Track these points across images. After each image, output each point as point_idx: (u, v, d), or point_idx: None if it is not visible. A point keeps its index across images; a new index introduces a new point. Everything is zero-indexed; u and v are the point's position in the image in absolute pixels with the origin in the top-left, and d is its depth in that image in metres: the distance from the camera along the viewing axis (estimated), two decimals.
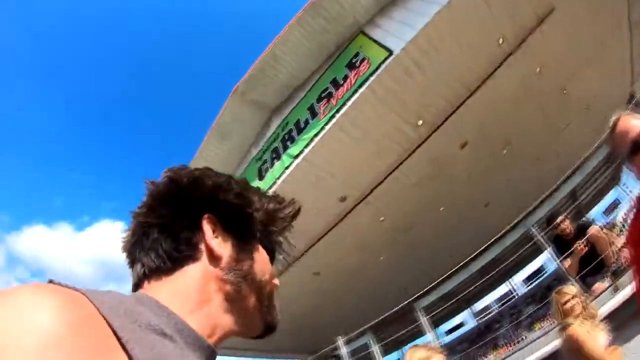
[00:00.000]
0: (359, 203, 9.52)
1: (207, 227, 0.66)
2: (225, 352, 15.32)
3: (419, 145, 8.83)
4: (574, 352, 3.07)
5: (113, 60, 75.07)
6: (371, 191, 9.36)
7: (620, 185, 19.20)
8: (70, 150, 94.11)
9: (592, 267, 4.75)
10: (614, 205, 22.23)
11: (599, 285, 4.64)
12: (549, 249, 13.76)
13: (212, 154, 8.95)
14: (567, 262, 5.11)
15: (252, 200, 0.72)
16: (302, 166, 8.16)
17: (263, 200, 0.75)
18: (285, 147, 8.45)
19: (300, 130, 8.31)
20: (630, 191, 18.04)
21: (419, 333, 21.87)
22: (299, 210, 0.81)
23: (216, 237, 0.66)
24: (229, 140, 9.01)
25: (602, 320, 3.34)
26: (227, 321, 0.64)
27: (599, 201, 20.36)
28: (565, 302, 3.33)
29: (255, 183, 8.61)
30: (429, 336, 9.13)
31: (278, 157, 8.53)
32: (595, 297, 4.24)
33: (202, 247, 0.65)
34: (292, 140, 8.39)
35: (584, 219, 6.64)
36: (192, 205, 0.67)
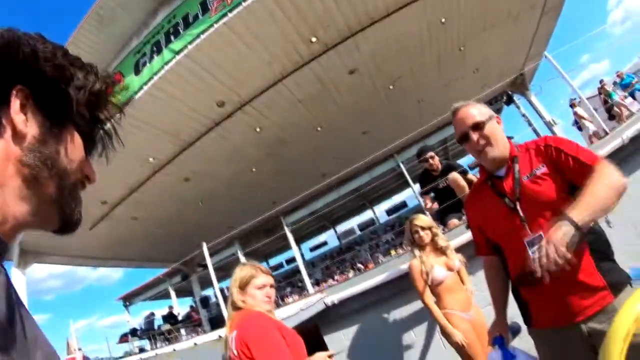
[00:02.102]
0: (237, 110, 9.17)
1: (15, 100, 0.57)
2: (89, 262, 14.84)
3: (308, 62, 8.57)
4: (411, 279, 3.49)
5: None
6: (252, 99, 9.02)
7: None
8: None
9: (449, 205, 5.19)
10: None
11: (453, 222, 5.10)
12: (413, 186, 15.09)
13: (87, 42, 7.71)
14: (428, 198, 5.51)
15: (73, 76, 0.64)
16: (183, 63, 7.48)
17: (89, 79, 0.66)
18: (169, 41, 7.62)
19: (187, 25, 7.49)
20: None
21: (285, 247, 23.25)
22: (129, 100, 0.66)
23: (24, 112, 0.58)
24: (109, 27, 7.79)
25: (454, 251, 3.70)
26: (21, 210, 0.57)
27: (465, 155, 22.57)
28: (415, 232, 3.59)
29: (131, 78, 7.87)
30: (294, 250, 9.53)
31: (159, 52, 7.69)
32: (449, 231, 4.67)
33: (7, 123, 0.57)
34: (177, 34, 7.56)
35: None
36: (1, 73, 0.57)
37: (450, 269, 3.45)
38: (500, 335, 2.03)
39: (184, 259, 9.31)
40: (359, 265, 19.16)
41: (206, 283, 22.87)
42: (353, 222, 26.09)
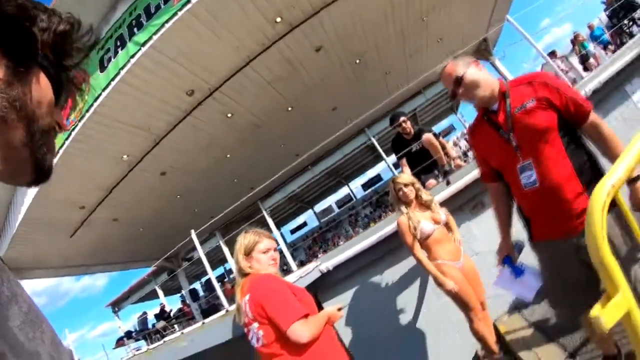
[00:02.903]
0: (207, 97, 9.09)
1: None
2: (74, 270, 14.53)
3: (274, 42, 8.57)
4: (400, 235, 3.64)
5: None
6: (221, 85, 8.95)
7: (457, 113, 22.01)
8: None
9: (425, 166, 5.42)
10: (449, 129, 25.51)
11: (430, 182, 5.34)
12: (386, 159, 15.35)
13: None
14: (403, 161, 5.70)
15: (37, 16, 0.61)
16: (150, 55, 7.33)
17: (53, 20, 0.64)
18: (132, 34, 7.43)
19: (150, 16, 7.29)
20: (465, 120, 20.85)
21: None
22: (96, 42, 0.71)
23: None
24: None
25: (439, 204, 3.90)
26: None
27: (436, 123, 23.01)
28: (399, 190, 3.76)
29: (97, 75, 7.69)
30: (276, 234, 9.64)
31: (123, 46, 7.51)
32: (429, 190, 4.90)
33: None
34: (140, 26, 7.37)
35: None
36: None
37: (436, 222, 3.62)
38: (508, 254, 2.37)
39: (169, 253, 9.28)
40: (341, 242, 19.41)
41: (193, 277, 22.91)
42: (330, 200, 26.36)
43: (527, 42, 5.87)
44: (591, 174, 1.94)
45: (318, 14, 8.42)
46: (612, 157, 1.88)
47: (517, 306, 4.17)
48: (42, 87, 0.62)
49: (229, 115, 10.25)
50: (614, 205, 1.13)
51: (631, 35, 5.99)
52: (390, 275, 4.70)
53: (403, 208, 3.69)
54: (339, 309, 2.36)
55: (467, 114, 23.52)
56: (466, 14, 11.65)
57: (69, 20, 0.66)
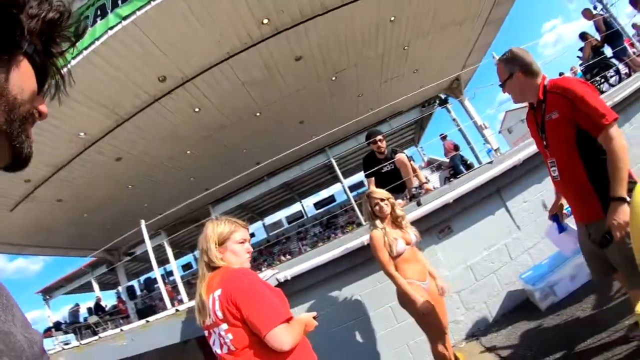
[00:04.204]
0: (178, 87, 8.80)
1: None
2: (8, 248, 13.50)
3: (257, 44, 8.48)
4: (373, 250, 3.54)
5: None
6: (195, 77, 8.73)
7: (417, 145, 22.64)
8: None
9: (395, 187, 5.40)
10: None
11: (400, 202, 5.32)
12: (342, 181, 15.46)
13: None
14: (371, 181, 5.68)
15: (27, 2, 0.60)
16: (129, 30, 7.00)
17: (43, 7, 0.62)
18: (115, 5, 7.11)
19: None
20: (424, 153, 21.48)
21: None
22: (84, 31, 0.70)
23: None
24: None
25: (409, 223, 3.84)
26: None
27: (406, 148, 23.48)
28: (375, 204, 3.69)
29: None
30: None
31: (104, 15, 7.15)
32: None
33: None
34: None
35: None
36: None
37: (407, 242, 3.57)
38: (556, 213, 2.86)
39: (111, 243, 8.71)
40: (288, 257, 19.22)
41: (132, 274, 21.93)
42: (281, 215, 26.12)
43: (493, 87, 6.07)
44: (602, 183, 2.18)
45: (305, 23, 8.43)
46: (609, 172, 2.11)
47: (475, 333, 4.17)
48: (25, 75, 0.61)
49: (197, 109, 9.99)
50: None
51: (601, 92, 6.34)
52: (349, 291, 4.58)
53: (378, 222, 3.62)
54: (314, 317, 2.16)
55: (427, 148, 24.15)
56: (446, 51, 12.05)
57: (59, 9, 0.65)
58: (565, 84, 2.27)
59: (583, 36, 9.06)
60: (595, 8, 8.92)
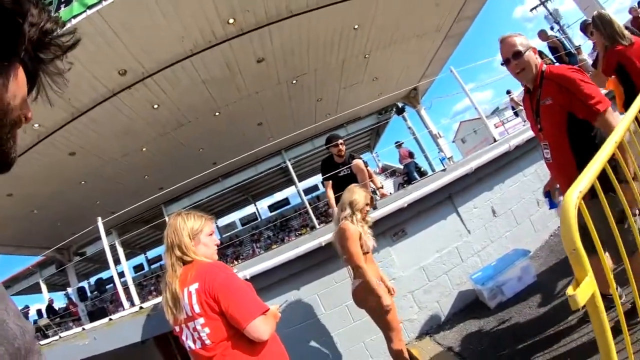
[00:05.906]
0: (138, 82, 8.62)
1: None
2: None
3: (220, 43, 8.47)
4: (345, 241, 3.51)
5: None
6: (156, 72, 8.57)
7: (373, 151, 23.05)
8: None
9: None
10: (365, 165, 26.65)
11: None
12: (297, 184, 15.54)
13: None
14: (328, 183, 5.75)
15: (29, 10, 0.60)
16: (93, 20, 6.75)
17: (42, 17, 0.63)
18: None
19: None
20: (379, 159, 21.90)
21: (163, 240, 22.09)
22: (77, 42, 0.71)
23: None
24: None
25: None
26: None
27: (362, 153, 23.81)
28: (366, 204, 3.72)
29: None
30: None
31: (68, 3, 6.89)
32: None
33: None
34: None
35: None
36: None
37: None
38: (548, 191, 3.12)
39: (62, 243, 8.35)
40: (240, 260, 19.07)
41: (82, 275, 20.92)
42: (234, 217, 25.84)
43: (449, 98, 6.39)
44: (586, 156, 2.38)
45: (270, 26, 8.48)
46: None
47: (428, 331, 4.36)
48: (19, 81, 0.61)
49: (155, 106, 9.80)
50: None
51: None
52: (307, 291, 4.65)
53: (358, 217, 3.65)
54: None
55: (382, 155, 24.65)
56: (405, 62, 12.39)
57: (56, 20, 0.66)
58: (562, 72, 2.48)
59: (539, 55, 9.64)
60: (552, 29, 9.52)
